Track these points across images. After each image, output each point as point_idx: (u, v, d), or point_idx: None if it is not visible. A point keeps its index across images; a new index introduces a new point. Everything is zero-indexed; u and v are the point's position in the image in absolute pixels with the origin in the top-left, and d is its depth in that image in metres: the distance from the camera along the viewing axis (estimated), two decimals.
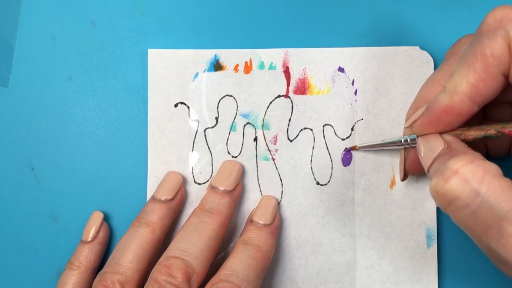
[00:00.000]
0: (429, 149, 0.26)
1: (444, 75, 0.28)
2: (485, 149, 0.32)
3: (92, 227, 0.32)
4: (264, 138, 0.33)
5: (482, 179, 0.22)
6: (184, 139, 0.33)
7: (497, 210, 0.22)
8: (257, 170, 0.33)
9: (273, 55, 0.33)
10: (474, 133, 0.26)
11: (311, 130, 0.33)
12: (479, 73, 0.24)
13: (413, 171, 0.31)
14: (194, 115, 0.33)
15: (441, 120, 0.26)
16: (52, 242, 0.33)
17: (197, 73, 0.33)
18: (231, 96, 0.33)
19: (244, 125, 0.33)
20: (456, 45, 0.29)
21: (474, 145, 0.26)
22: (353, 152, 0.33)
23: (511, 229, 0.22)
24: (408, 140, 0.29)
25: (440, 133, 0.27)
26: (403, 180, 0.32)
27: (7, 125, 0.33)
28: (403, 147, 0.30)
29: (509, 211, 0.22)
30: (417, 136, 0.28)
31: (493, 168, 0.23)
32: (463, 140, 0.26)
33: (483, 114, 0.30)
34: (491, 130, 0.26)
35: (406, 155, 0.30)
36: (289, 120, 0.33)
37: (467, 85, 0.25)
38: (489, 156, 0.32)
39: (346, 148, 0.33)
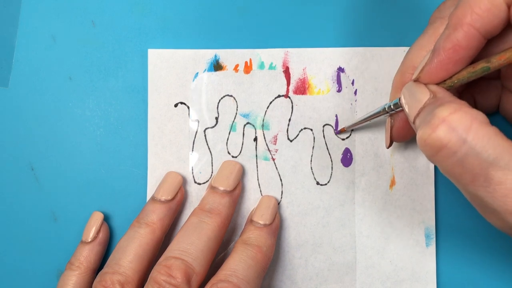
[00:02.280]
0: (415, 100, 0.25)
1: (431, 40, 0.27)
2: (473, 105, 0.31)
3: (92, 228, 0.32)
4: (264, 138, 0.33)
5: (469, 127, 0.22)
6: (184, 139, 0.33)
7: (484, 158, 0.21)
8: (257, 170, 0.33)
9: (273, 55, 0.33)
10: (465, 72, 0.25)
11: (311, 130, 0.33)
12: (485, 2, 0.23)
13: (399, 137, 0.30)
14: (194, 115, 0.33)
15: (451, 59, 0.25)
16: (52, 242, 0.33)
17: (197, 73, 0.33)
18: (231, 96, 0.33)
19: (244, 125, 0.33)
20: (442, 7, 0.28)
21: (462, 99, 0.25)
22: (353, 152, 0.33)
23: (498, 177, 0.21)
24: (392, 106, 0.28)
25: (425, 84, 0.26)
26: (388, 147, 0.31)
27: (7, 125, 0.33)
28: (388, 114, 0.29)
29: (496, 158, 0.21)
30: (400, 98, 0.27)
31: (480, 115, 0.22)
32: (450, 89, 0.26)
33: (501, 86, 0.30)
34: (481, 64, 0.25)
35: (393, 122, 0.30)
36: (289, 120, 0.33)
37: (471, 15, 0.24)
38: None
39: (335, 131, 0.33)
